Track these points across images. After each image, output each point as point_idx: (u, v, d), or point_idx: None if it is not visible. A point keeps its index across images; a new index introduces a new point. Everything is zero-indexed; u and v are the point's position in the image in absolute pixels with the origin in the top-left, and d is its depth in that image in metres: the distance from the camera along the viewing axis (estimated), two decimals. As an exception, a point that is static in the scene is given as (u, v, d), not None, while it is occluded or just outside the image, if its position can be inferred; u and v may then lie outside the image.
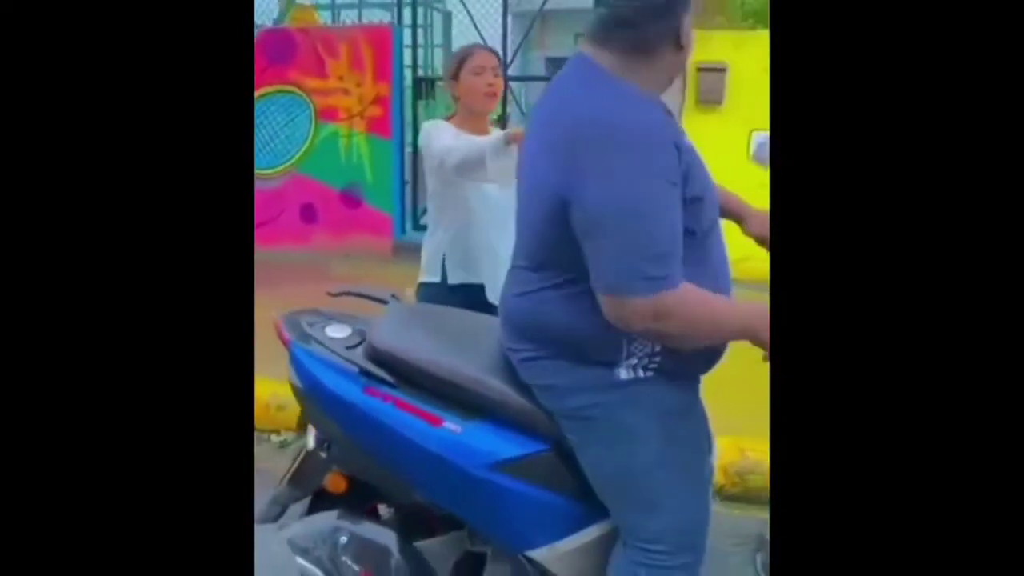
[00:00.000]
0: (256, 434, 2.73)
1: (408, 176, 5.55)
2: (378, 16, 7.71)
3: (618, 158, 1.13)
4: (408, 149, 5.57)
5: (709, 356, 1.33)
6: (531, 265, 1.31)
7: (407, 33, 5.88)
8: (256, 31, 5.37)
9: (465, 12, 6.00)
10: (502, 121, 5.72)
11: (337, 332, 1.52)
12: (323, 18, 7.76)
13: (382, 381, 1.41)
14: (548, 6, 5.84)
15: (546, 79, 9.31)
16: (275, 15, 6.74)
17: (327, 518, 1.51)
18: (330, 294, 1.69)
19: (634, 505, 1.30)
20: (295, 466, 1.58)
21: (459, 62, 2.15)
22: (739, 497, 2.43)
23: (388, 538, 1.48)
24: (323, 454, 1.52)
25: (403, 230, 5.52)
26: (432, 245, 2.22)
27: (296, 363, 1.49)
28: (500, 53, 5.51)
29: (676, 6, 1.21)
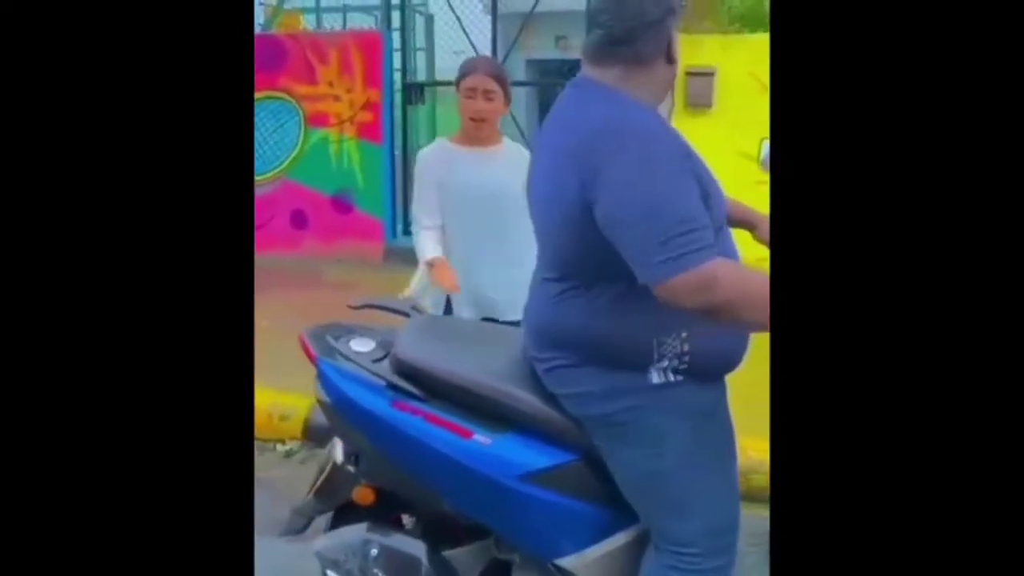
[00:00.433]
0: (260, 444, 2.72)
1: (399, 181, 5.56)
2: (361, 20, 7.70)
3: (631, 154, 1.18)
4: (398, 153, 5.58)
5: (733, 351, 1.35)
6: (556, 275, 1.34)
7: (396, 37, 5.88)
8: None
9: (448, 15, 6.01)
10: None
11: (362, 346, 1.53)
12: (307, 23, 7.73)
13: (410, 395, 1.42)
14: (527, 8, 5.86)
15: (529, 84, 9.33)
16: (261, 20, 6.71)
17: (356, 531, 1.52)
18: (351, 307, 1.71)
19: (666, 509, 1.33)
20: (322, 479, 1.58)
21: (458, 79, 2.15)
22: (742, 496, 2.47)
23: (418, 549, 1.49)
24: (351, 468, 1.53)
25: (394, 234, 5.52)
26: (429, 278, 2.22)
27: (323, 378, 1.50)
28: (489, 58, 5.52)
29: (666, 22, 1.27)
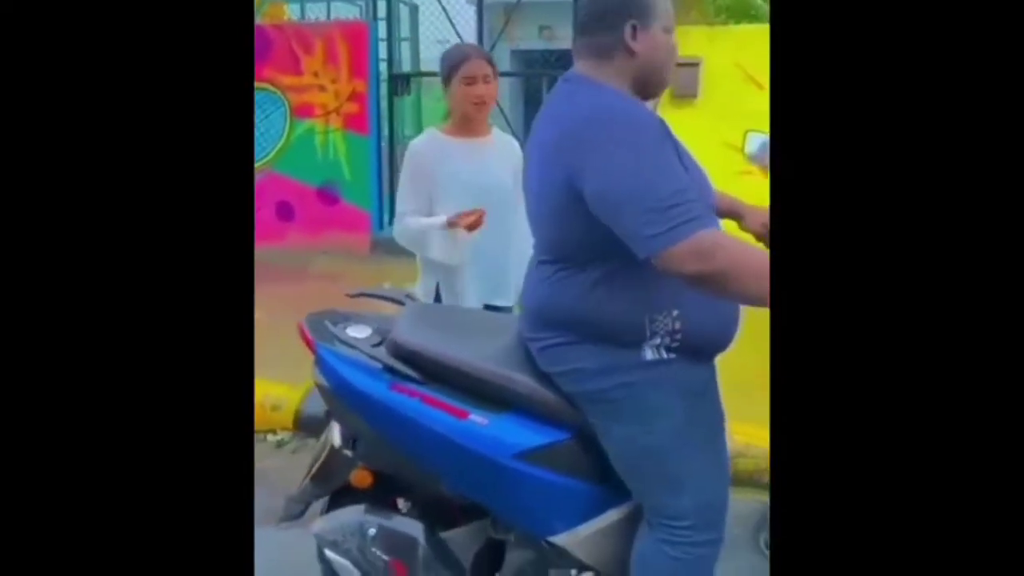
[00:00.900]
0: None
1: (385, 172, 5.55)
2: (345, 10, 7.65)
3: (615, 138, 1.24)
4: (384, 144, 5.56)
5: (723, 331, 1.39)
6: (550, 258, 1.38)
7: (381, 27, 5.85)
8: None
9: (433, 5, 5.99)
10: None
11: (359, 332, 1.55)
12: (292, 13, 7.67)
13: (408, 378, 1.45)
14: (509, -2, 5.85)
15: (515, 74, 9.30)
16: (244, 10, 6.64)
17: (354, 512, 1.55)
18: (348, 295, 1.74)
19: (659, 484, 1.36)
20: (319, 464, 1.60)
21: (450, 68, 2.11)
22: (739, 481, 2.51)
23: (415, 529, 1.52)
24: (348, 452, 1.55)
25: (381, 226, 5.51)
26: (426, 267, 2.22)
27: (322, 363, 1.52)
28: (474, 44, 5.50)
29: (618, 15, 1.33)
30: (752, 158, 1.73)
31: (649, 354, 1.32)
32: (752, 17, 4.98)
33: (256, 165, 5.44)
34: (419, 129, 6.90)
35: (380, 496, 1.57)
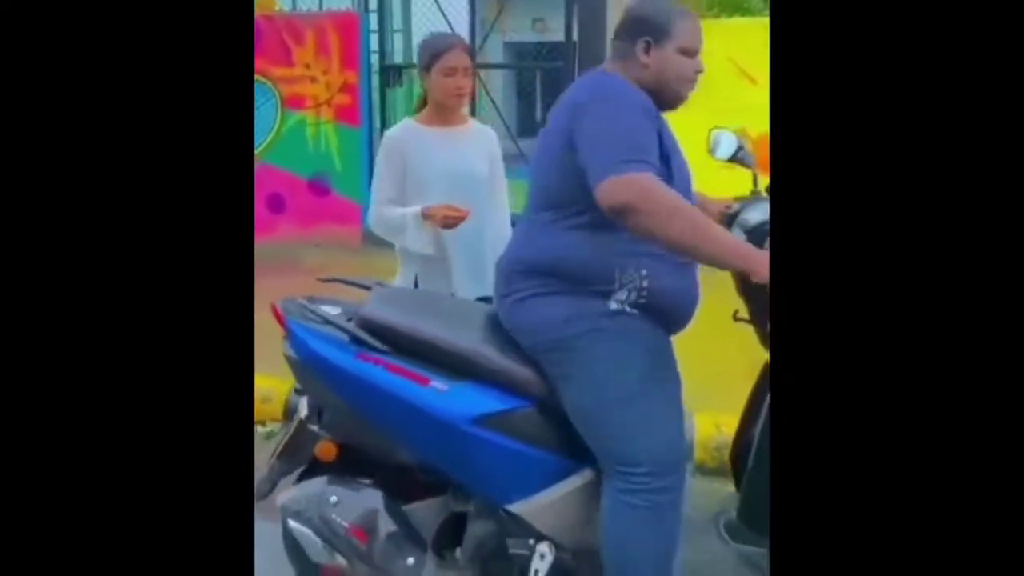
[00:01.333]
0: (241, 426, 2.73)
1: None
2: (336, 1, 7.60)
3: (606, 101, 1.44)
4: (376, 136, 5.54)
5: (685, 300, 1.52)
6: (543, 206, 1.52)
7: (372, 18, 5.82)
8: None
9: (428, -3, 5.96)
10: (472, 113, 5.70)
11: (330, 310, 1.61)
12: (282, 3, 7.62)
13: (373, 348, 1.51)
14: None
15: (508, 66, 9.29)
16: (234, 1, 6.60)
17: (317, 483, 1.59)
18: (320, 280, 1.81)
19: (617, 431, 1.43)
20: (285, 440, 1.64)
21: (431, 57, 2.10)
22: (716, 471, 2.53)
23: (375, 498, 1.56)
24: (314, 427, 1.60)
25: (372, 218, 5.50)
26: (404, 258, 2.22)
27: (292, 336, 1.57)
28: (468, 41, 5.48)
29: (636, 30, 1.55)
30: (727, 159, 1.74)
31: (614, 305, 1.45)
32: (744, 10, 4.98)
33: (247, 157, 5.41)
34: (411, 121, 6.86)
35: (344, 471, 1.61)
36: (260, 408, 2.84)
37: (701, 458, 2.58)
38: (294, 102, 5.33)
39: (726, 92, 4.59)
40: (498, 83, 8.93)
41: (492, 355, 1.50)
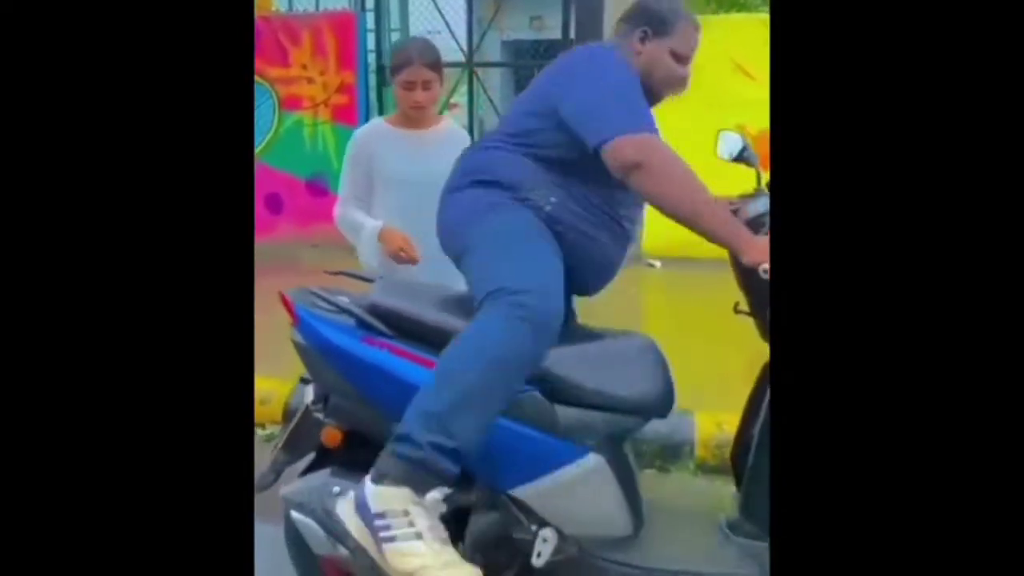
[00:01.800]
0: (240, 428, 2.73)
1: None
2: (334, 1, 7.59)
3: (609, 64, 1.52)
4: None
5: (582, 256, 1.58)
6: (501, 134, 1.62)
7: (369, 18, 5.81)
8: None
9: (424, -3, 5.95)
10: (472, 118, 5.71)
11: (338, 297, 1.63)
12: (279, 4, 7.60)
13: (379, 332, 1.55)
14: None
15: (510, 65, 9.28)
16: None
17: (320, 475, 1.60)
18: (327, 272, 1.84)
19: (494, 264, 1.48)
20: (290, 429, 1.65)
21: (393, 68, 2.17)
22: (717, 469, 2.53)
23: None
24: (319, 414, 1.61)
25: (371, 219, 5.49)
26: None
27: (300, 322, 1.59)
28: (463, 40, 5.47)
29: (639, 18, 1.63)
30: (732, 159, 1.76)
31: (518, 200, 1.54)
32: (742, 6, 4.98)
33: (245, 158, 5.41)
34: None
35: (348, 462, 1.61)
36: (259, 410, 2.83)
37: (702, 456, 2.58)
38: (291, 103, 5.32)
39: (725, 88, 4.58)
40: (496, 81, 8.93)
41: None
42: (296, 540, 1.61)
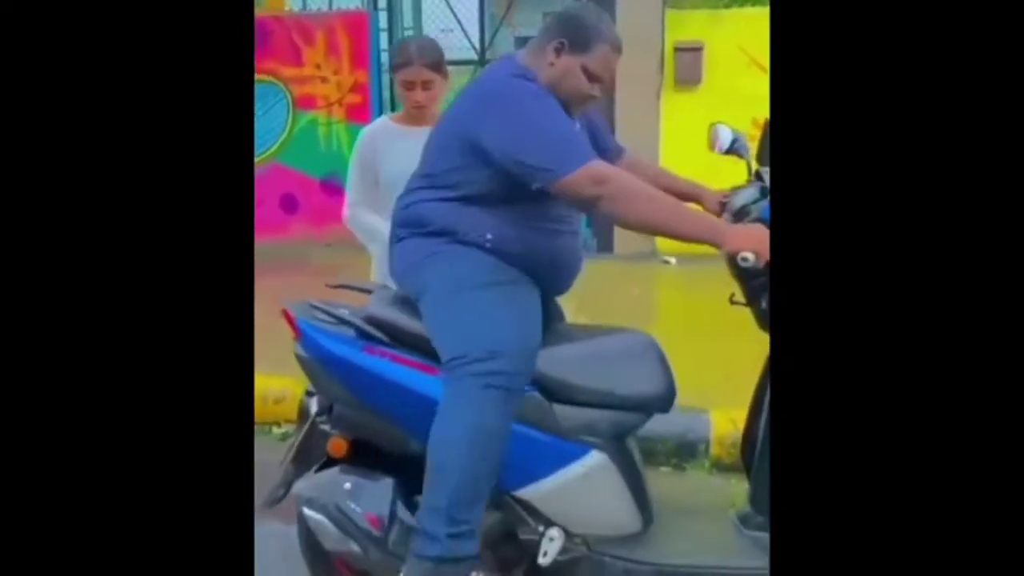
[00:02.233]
0: (256, 427, 2.75)
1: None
2: (347, 0, 7.61)
3: (524, 97, 1.50)
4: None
5: (546, 270, 1.61)
6: (423, 177, 1.64)
7: (382, 17, 5.82)
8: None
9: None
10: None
11: (338, 310, 1.66)
12: (292, 3, 7.64)
13: (379, 341, 1.58)
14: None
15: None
16: (245, 2, 6.62)
17: (332, 472, 1.63)
18: (328, 286, 1.85)
19: (453, 325, 1.50)
20: (297, 443, 1.67)
21: (394, 67, 2.17)
22: (733, 467, 2.51)
23: (389, 486, 1.59)
24: (324, 426, 1.64)
25: (385, 217, 5.50)
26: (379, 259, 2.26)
27: (303, 336, 1.62)
28: (476, 38, 5.45)
29: (556, 29, 1.59)
30: (723, 152, 1.76)
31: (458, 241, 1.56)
32: (755, 0, 4.93)
33: (259, 158, 5.44)
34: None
35: (357, 466, 1.64)
36: (274, 409, 2.85)
37: (717, 454, 2.56)
38: (305, 102, 5.35)
39: (736, 81, 4.55)
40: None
41: None
42: (308, 539, 1.62)
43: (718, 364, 2.72)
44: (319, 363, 1.60)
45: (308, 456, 1.66)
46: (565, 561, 1.54)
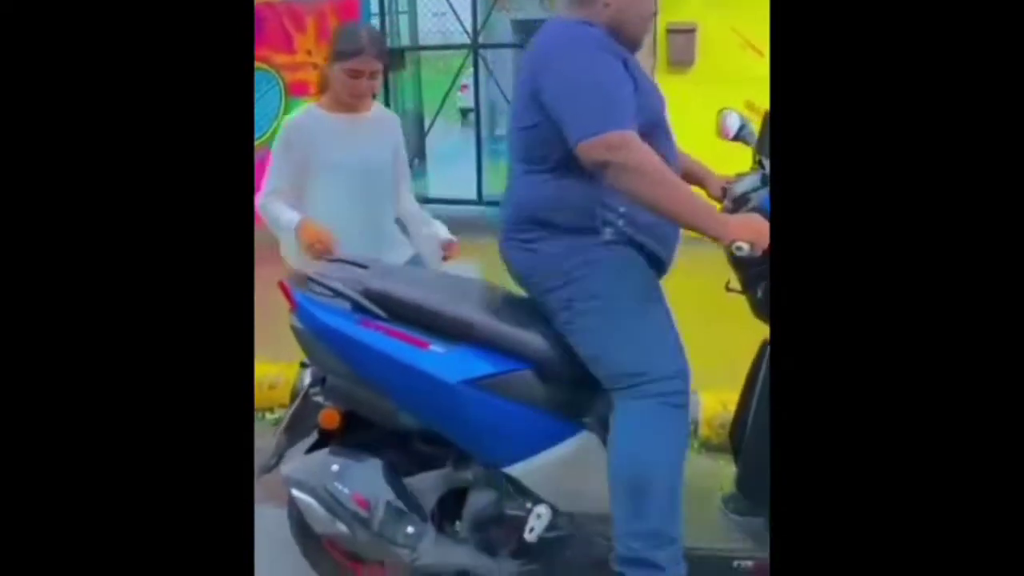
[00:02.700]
0: (250, 413, 2.77)
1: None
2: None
3: (574, 49, 1.46)
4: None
5: (664, 243, 1.58)
6: (514, 158, 1.60)
7: (374, 1, 5.78)
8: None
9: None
10: (470, 112, 5.66)
11: (333, 282, 1.66)
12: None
13: (375, 315, 1.57)
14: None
15: (515, 46, 9.17)
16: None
17: (320, 454, 1.64)
18: (327, 260, 1.85)
19: (623, 344, 1.48)
20: (290, 414, 1.69)
21: (339, 53, 2.06)
22: (721, 448, 2.53)
23: (376, 467, 1.61)
24: (317, 397, 1.65)
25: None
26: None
27: (299, 308, 1.62)
28: (468, 22, 5.38)
29: None
30: (732, 138, 1.75)
31: (608, 235, 1.52)
32: (750, -19, 4.91)
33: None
34: (418, 104, 6.84)
35: (347, 444, 1.66)
36: (268, 395, 2.87)
37: (706, 435, 2.58)
38: (297, 89, 5.33)
39: (731, 64, 4.54)
40: (507, 62, 8.85)
41: (488, 321, 1.54)
42: (299, 523, 1.64)
43: (708, 345, 2.73)
44: (314, 335, 1.61)
45: (301, 426, 1.69)
46: (552, 539, 1.56)
